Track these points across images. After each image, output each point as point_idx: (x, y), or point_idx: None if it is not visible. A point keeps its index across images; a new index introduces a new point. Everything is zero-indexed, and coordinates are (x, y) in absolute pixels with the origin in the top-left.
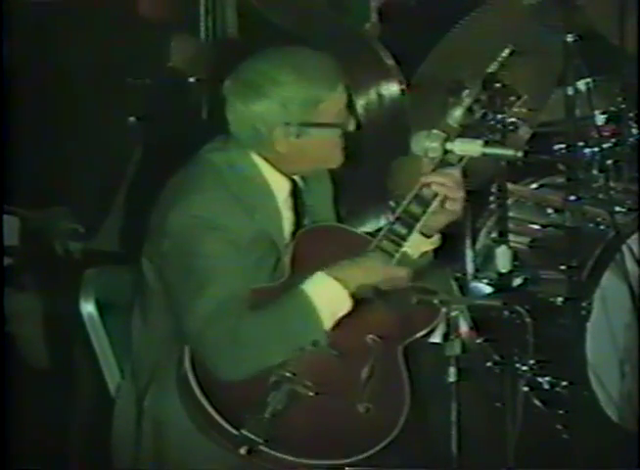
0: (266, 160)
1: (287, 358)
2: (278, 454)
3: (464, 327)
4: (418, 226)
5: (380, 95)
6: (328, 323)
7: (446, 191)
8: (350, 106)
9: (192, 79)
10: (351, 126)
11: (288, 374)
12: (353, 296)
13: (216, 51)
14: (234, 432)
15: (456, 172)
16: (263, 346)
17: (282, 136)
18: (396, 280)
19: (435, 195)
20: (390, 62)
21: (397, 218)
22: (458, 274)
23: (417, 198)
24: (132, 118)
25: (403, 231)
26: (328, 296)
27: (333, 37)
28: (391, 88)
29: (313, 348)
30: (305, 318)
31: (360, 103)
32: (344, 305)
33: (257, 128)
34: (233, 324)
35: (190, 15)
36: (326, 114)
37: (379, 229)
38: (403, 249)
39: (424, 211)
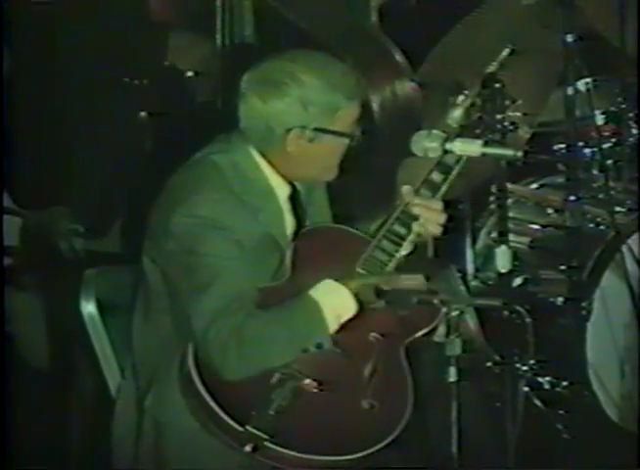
0: (269, 162)
1: (290, 360)
2: (283, 450)
3: (469, 321)
4: (405, 244)
5: (393, 93)
6: (333, 327)
7: (426, 213)
8: (362, 119)
9: (189, 73)
10: (360, 140)
11: (292, 371)
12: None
13: (214, 45)
14: (239, 429)
15: (437, 201)
16: (268, 346)
17: (295, 137)
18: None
19: (409, 232)
20: (401, 59)
21: (397, 219)
22: (459, 274)
23: (390, 231)
24: (143, 113)
25: (403, 231)
26: (334, 300)
27: (345, 35)
28: (403, 85)
29: (316, 350)
30: (311, 321)
31: (374, 101)
32: (350, 309)
33: (272, 127)
34: (239, 322)
35: (205, 17)
36: (341, 122)
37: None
38: (403, 249)
39: (396, 250)
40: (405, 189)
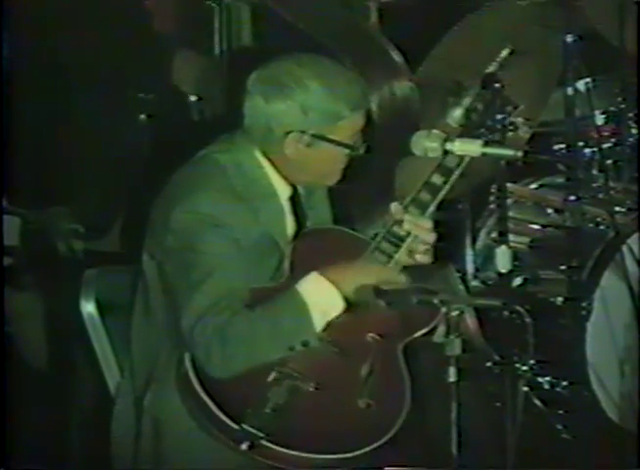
0: (271, 162)
1: (276, 358)
2: (279, 449)
3: (469, 320)
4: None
5: (391, 93)
6: (319, 324)
7: (418, 231)
8: (366, 128)
9: (193, 98)
10: (361, 150)
11: (288, 370)
12: (349, 299)
13: (221, 69)
14: (235, 427)
15: (427, 219)
16: (252, 344)
17: (293, 141)
18: (392, 283)
19: (408, 234)
20: (400, 59)
21: (396, 221)
22: (458, 274)
23: (390, 233)
24: (143, 116)
25: (402, 233)
26: (320, 296)
27: (344, 35)
28: (402, 86)
29: (303, 348)
30: (296, 318)
31: (373, 101)
32: (337, 306)
33: (271, 128)
34: (223, 321)
35: (203, 28)
36: (342, 132)
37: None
38: (401, 250)
39: (395, 251)
40: (394, 207)
